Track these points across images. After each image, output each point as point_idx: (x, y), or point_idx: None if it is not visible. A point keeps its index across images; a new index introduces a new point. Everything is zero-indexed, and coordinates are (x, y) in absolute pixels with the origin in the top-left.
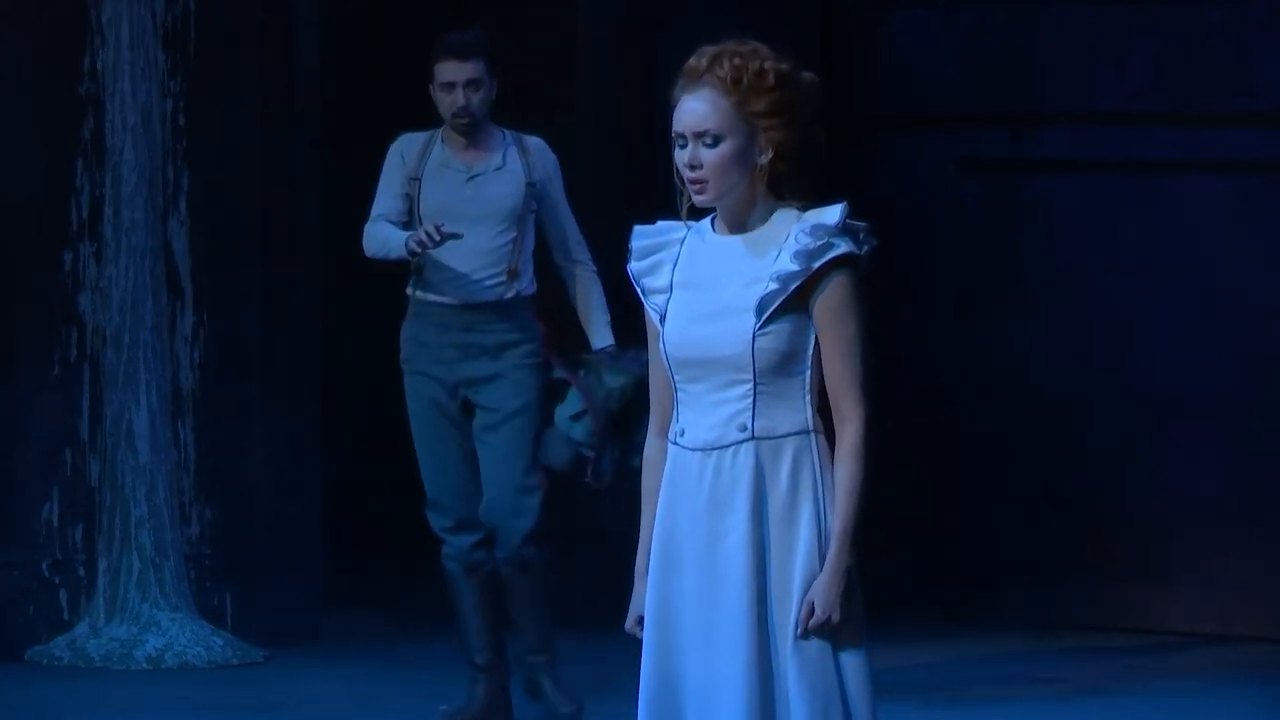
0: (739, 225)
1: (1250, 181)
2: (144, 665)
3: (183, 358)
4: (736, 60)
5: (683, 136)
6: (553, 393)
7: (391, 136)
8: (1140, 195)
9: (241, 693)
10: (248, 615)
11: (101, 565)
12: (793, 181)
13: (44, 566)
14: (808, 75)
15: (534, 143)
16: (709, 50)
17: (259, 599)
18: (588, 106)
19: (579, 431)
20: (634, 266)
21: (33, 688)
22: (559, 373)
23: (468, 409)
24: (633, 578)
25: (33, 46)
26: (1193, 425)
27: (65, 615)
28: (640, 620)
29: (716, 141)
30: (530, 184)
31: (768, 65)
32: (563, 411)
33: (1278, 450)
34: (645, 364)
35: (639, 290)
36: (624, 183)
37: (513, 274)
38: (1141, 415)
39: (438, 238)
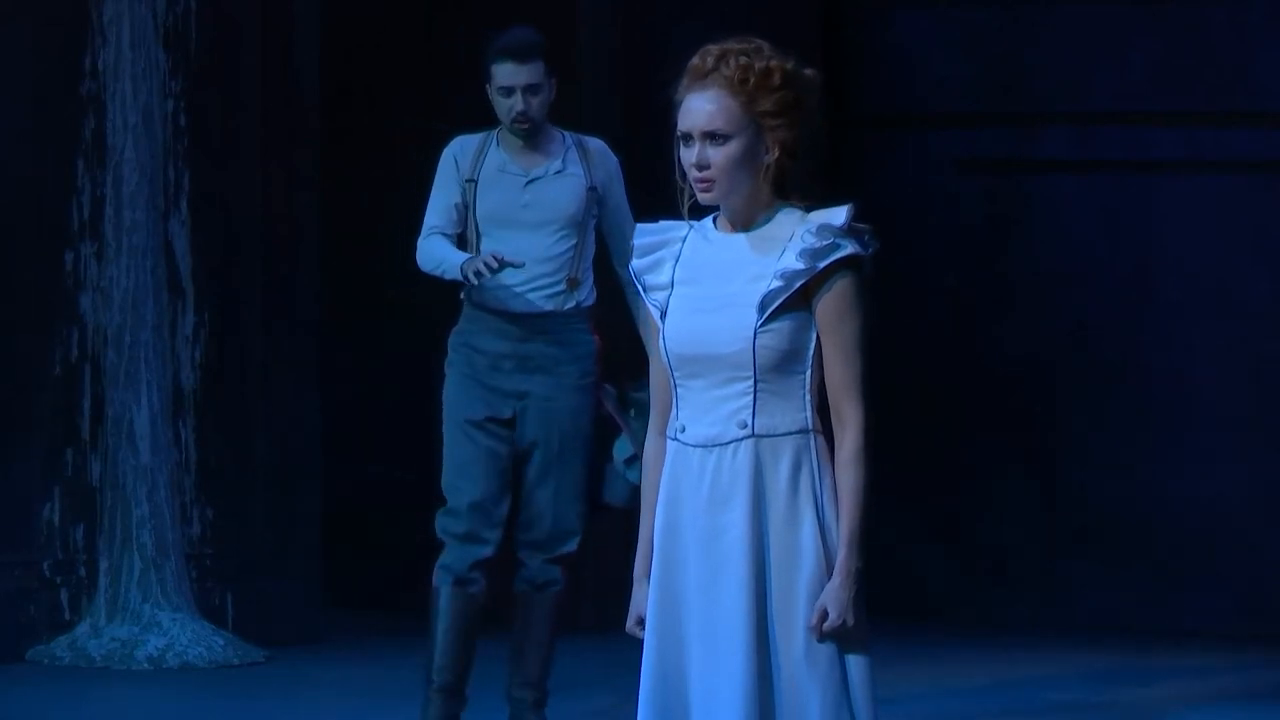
0: (743, 223)
1: (1250, 181)
2: (145, 665)
3: (184, 357)
4: (743, 59)
5: (689, 135)
6: (606, 428)
7: (390, 137)
8: (1140, 195)
9: (242, 693)
10: (248, 615)
11: (102, 565)
12: (797, 179)
13: (45, 566)
14: (810, 72)
15: (595, 144)
16: (714, 49)
17: (260, 599)
18: (588, 108)
19: (635, 475)
20: (635, 264)
21: (33, 688)
22: (606, 410)
23: (511, 423)
24: (631, 579)
25: (34, 46)
26: (1193, 424)
27: (66, 615)
28: (640, 621)
29: (725, 141)
30: (591, 188)
31: (773, 64)
32: (618, 455)
33: (1276, 449)
34: None
35: (640, 287)
36: (624, 184)
37: (573, 283)
38: (1142, 414)
39: (495, 266)
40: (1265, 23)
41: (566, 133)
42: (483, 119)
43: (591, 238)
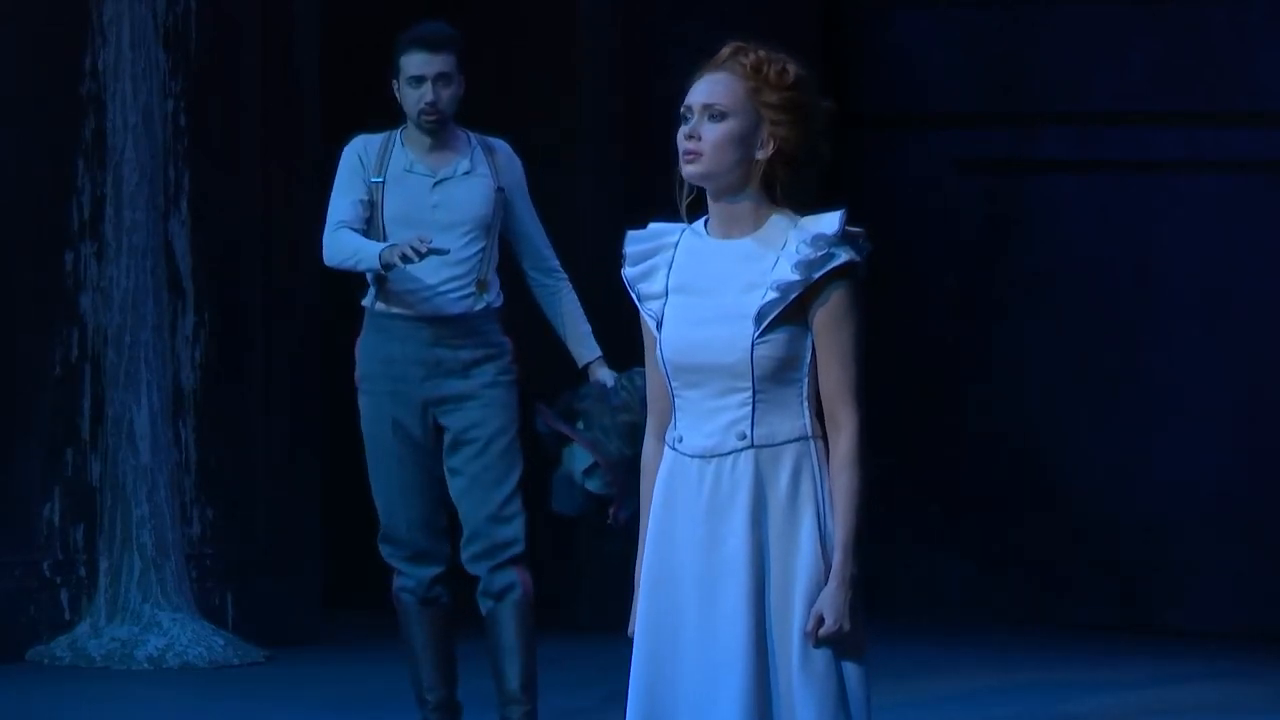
0: (734, 228)
1: (1250, 181)
2: (145, 665)
3: (184, 357)
4: (761, 53)
5: (690, 109)
6: (552, 444)
7: None
8: (1140, 195)
9: (242, 693)
10: (248, 615)
11: (102, 565)
12: (789, 188)
13: (45, 566)
14: (827, 101)
15: (500, 146)
16: (736, 43)
17: (260, 599)
18: (588, 108)
19: (596, 484)
20: (628, 272)
21: (33, 688)
22: (546, 426)
23: (435, 431)
24: (634, 583)
25: (34, 46)
26: (1192, 424)
27: (66, 615)
28: None
29: (722, 117)
30: (499, 189)
31: (790, 66)
32: (574, 465)
33: (1277, 449)
34: (641, 390)
35: (634, 296)
36: (624, 185)
37: (482, 285)
38: (1141, 414)
39: (424, 251)
40: (1265, 23)
41: (470, 133)
42: (481, 118)
43: (497, 240)
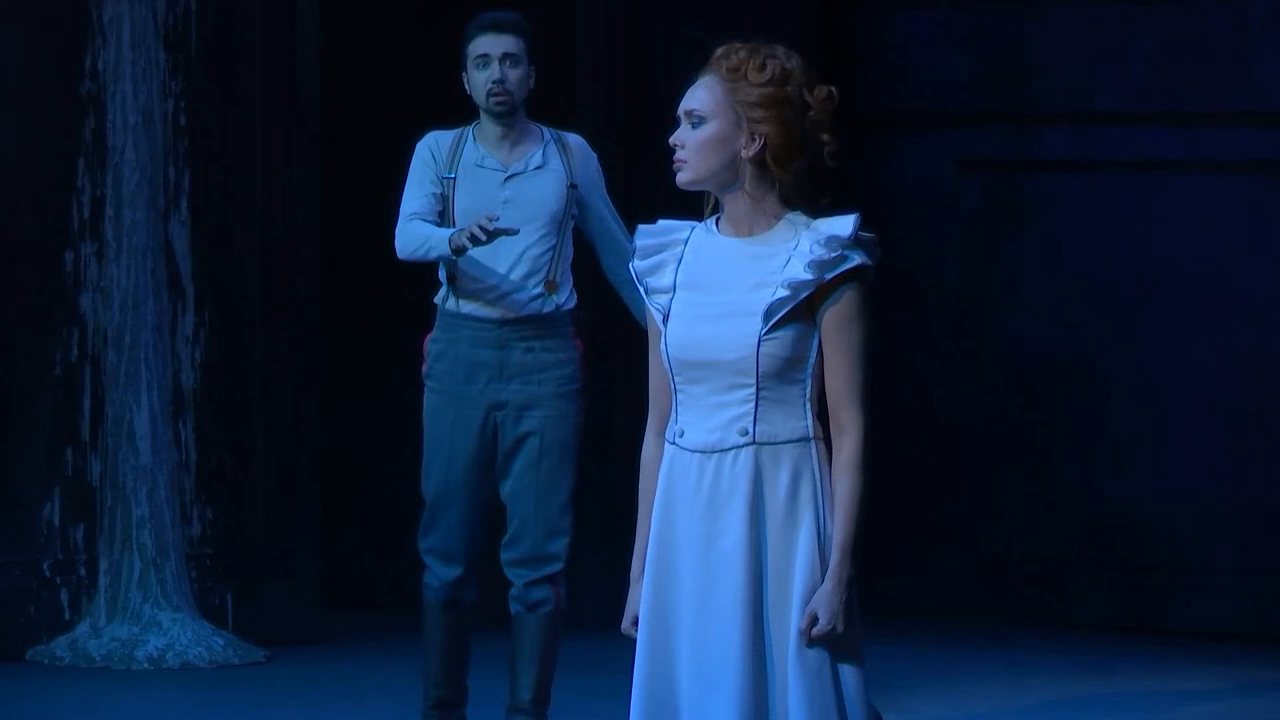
0: (744, 227)
1: (1250, 181)
2: (145, 665)
3: (184, 357)
4: (744, 53)
5: (679, 117)
6: None
7: (391, 136)
8: (1140, 195)
9: (242, 693)
10: (249, 615)
11: (103, 565)
12: (786, 186)
13: (45, 566)
14: (824, 88)
15: (575, 141)
16: (729, 44)
17: (260, 599)
18: (588, 108)
19: None
20: (636, 265)
21: (33, 688)
22: None
23: (494, 435)
24: (629, 579)
25: (34, 46)
26: (1192, 424)
27: (66, 615)
28: (635, 621)
29: (701, 122)
30: (572, 185)
31: (771, 62)
32: None
33: (1277, 449)
34: None
35: (642, 289)
36: (624, 184)
37: (551, 285)
38: (1141, 414)
39: (491, 229)
40: (1265, 23)
41: (545, 127)
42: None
43: (570, 238)
